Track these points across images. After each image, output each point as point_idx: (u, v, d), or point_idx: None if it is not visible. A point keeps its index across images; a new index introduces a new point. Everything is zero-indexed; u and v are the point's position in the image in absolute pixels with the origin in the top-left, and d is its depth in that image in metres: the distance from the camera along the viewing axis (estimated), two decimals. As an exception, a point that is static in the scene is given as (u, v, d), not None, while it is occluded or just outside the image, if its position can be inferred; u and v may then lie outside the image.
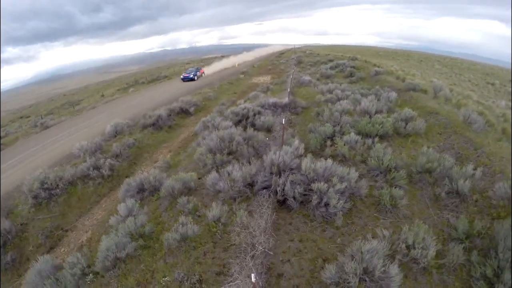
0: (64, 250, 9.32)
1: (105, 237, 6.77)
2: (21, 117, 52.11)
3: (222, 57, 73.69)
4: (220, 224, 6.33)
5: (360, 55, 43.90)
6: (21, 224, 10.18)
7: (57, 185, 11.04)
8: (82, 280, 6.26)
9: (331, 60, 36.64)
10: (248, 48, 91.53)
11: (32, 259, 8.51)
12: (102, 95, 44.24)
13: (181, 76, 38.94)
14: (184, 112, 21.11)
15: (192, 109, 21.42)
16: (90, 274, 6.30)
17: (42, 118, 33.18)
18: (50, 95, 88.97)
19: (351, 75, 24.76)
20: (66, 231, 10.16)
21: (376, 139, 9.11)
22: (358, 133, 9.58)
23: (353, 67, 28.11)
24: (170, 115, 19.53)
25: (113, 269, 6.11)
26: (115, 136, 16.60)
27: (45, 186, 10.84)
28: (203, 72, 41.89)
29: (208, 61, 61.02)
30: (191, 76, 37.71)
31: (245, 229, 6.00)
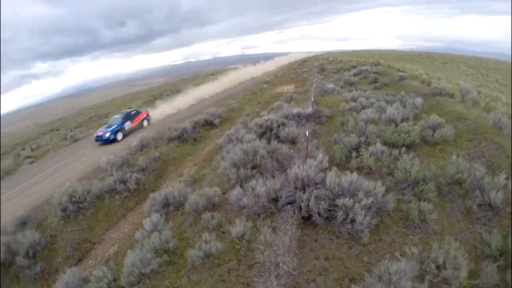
0: (91, 263, 9.56)
1: (130, 252, 6.85)
2: (51, 130, 54.33)
3: (238, 68, 66.94)
4: (244, 241, 6.24)
5: (383, 59, 43.17)
6: (51, 236, 10.56)
7: (85, 199, 11.39)
8: (108, 294, 6.37)
9: (354, 67, 36.15)
10: (270, 57, 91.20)
11: (61, 270, 8.80)
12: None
13: (94, 135, 22.28)
14: (208, 124, 21.35)
15: (216, 121, 21.64)
16: (116, 289, 6.40)
17: (71, 131, 34.40)
18: (78, 109, 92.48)
19: (375, 81, 24.21)
20: (94, 243, 10.41)
21: (403, 149, 8.76)
22: (384, 143, 9.24)
23: (377, 72, 27.54)
24: (195, 127, 19.77)
25: (138, 284, 6.13)
26: (141, 150, 16.99)
27: (73, 199, 11.22)
28: (147, 117, 26.03)
29: (226, 72, 60.00)
30: (107, 135, 20.99)
31: (269, 247, 5.91)
